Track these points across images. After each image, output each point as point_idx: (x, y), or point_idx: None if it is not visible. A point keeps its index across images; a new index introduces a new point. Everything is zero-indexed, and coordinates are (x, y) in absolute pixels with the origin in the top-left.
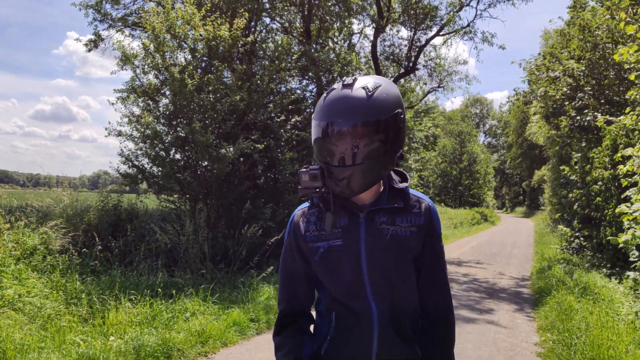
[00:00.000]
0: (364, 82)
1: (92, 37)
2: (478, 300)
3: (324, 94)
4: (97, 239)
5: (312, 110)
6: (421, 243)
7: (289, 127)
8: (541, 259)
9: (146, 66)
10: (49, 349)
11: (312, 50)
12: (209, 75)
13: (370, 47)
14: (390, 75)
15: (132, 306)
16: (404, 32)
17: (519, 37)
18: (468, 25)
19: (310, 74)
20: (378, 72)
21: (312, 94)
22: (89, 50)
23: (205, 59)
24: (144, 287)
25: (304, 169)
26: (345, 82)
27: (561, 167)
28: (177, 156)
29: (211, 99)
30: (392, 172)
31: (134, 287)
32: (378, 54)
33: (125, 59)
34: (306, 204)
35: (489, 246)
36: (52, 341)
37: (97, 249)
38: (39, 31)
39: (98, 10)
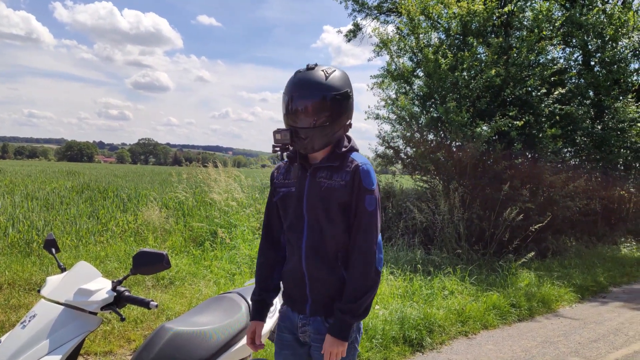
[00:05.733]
0: (324, 67)
1: (351, 27)
2: None
3: (293, 75)
4: None
5: (577, 81)
6: (349, 194)
7: (550, 101)
8: None
9: (401, 50)
10: None
11: (578, 14)
12: (463, 53)
13: None
14: None
15: (394, 279)
16: None
17: None
18: None
19: (574, 40)
20: None
21: (578, 62)
22: (349, 40)
23: (458, 36)
24: (403, 262)
25: (277, 130)
26: (309, 67)
27: None
28: (430, 136)
29: (465, 77)
30: (345, 139)
31: (394, 261)
32: None
33: (383, 45)
34: (280, 162)
35: None
36: None
37: None
38: (300, 28)
39: (356, 1)
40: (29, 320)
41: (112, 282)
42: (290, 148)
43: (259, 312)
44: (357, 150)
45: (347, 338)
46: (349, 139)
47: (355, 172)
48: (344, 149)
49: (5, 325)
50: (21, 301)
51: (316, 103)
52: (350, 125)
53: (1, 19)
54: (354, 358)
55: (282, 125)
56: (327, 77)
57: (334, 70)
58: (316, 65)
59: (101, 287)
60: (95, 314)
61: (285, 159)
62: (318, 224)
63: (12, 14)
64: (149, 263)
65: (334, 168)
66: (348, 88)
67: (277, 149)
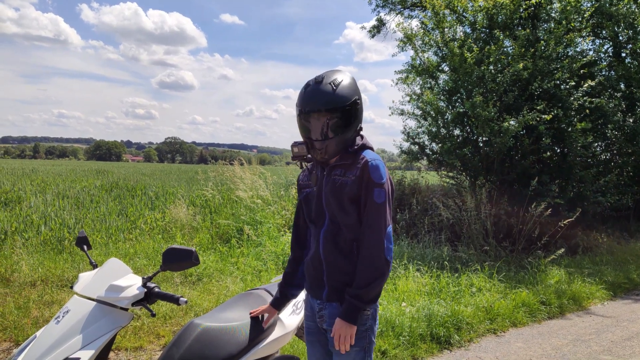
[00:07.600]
0: (331, 79)
1: (375, 22)
2: None
3: (303, 87)
4: None
5: (608, 73)
6: (358, 188)
7: (580, 94)
8: None
9: (426, 45)
10: None
11: (608, 5)
12: (489, 46)
13: None
14: None
15: (421, 276)
16: None
17: None
18: None
19: (604, 32)
20: None
21: (608, 54)
22: (372, 36)
23: (484, 29)
24: (430, 259)
25: (294, 143)
26: (317, 79)
27: None
28: (456, 132)
29: (492, 71)
30: (357, 139)
31: (420, 258)
32: None
33: (407, 39)
34: (306, 167)
35: None
36: None
37: None
38: (322, 25)
39: None
40: (63, 316)
41: (143, 278)
42: (309, 156)
43: (276, 300)
44: (369, 148)
45: (356, 322)
46: (361, 137)
47: (364, 167)
48: (355, 147)
49: (39, 321)
50: (54, 297)
51: (327, 116)
52: (361, 128)
53: (30, 22)
54: (370, 348)
55: None
56: (335, 90)
57: (341, 81)
58: (324, 77)
59: (132, 284)
60: (126, 309)
61: (305, 167)
62: (335, 216)
63: (41, 16)
64: (178, 259)
65: (346, 165)
66: (356, 95)
67: (296, 160)
